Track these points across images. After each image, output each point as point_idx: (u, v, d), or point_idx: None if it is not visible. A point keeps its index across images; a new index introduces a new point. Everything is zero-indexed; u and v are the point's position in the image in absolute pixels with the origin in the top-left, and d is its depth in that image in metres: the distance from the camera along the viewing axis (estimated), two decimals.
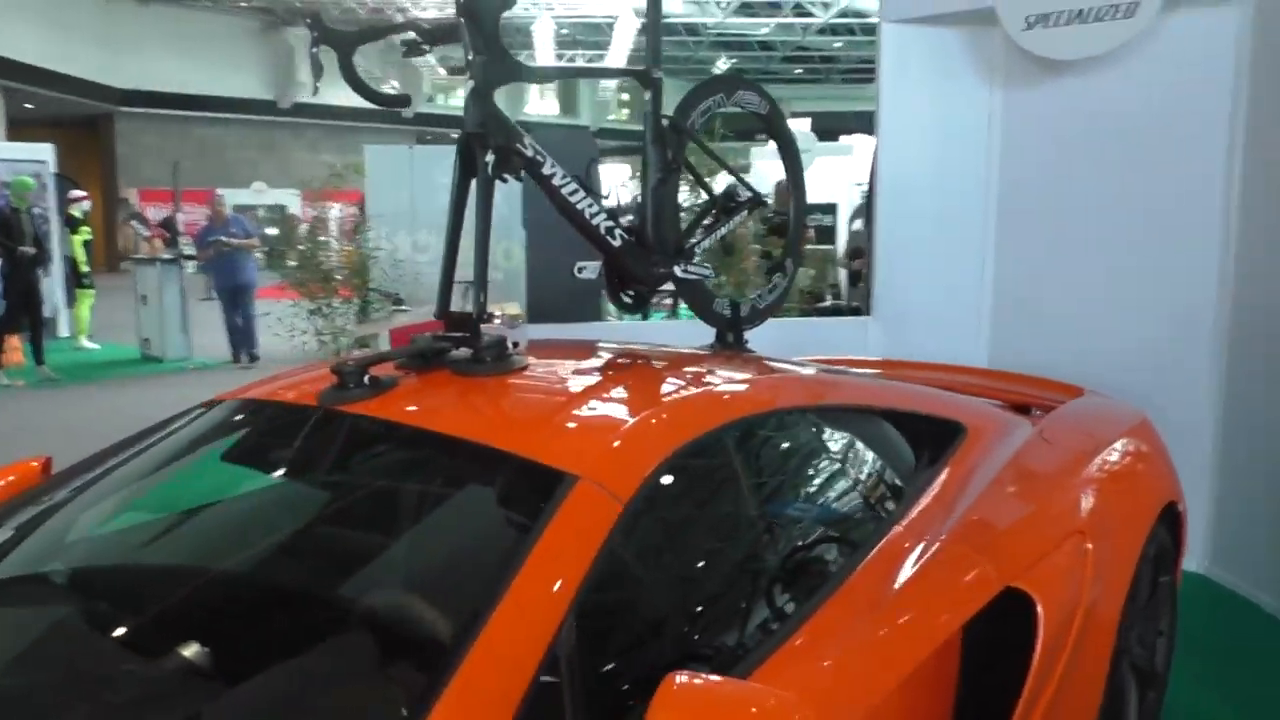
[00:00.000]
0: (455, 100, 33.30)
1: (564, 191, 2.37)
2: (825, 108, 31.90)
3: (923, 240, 4.74)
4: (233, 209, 11.52)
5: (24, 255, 9.25)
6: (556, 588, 1.41)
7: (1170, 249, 4.17)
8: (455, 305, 2.21)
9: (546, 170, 2.32)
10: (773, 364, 2.59)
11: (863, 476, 2.31)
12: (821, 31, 30.90)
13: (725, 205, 2.95)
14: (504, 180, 2.27)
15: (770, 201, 3.06)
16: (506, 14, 2.24)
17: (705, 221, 2.98)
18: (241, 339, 10.44)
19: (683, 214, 3.03)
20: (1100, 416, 3.01)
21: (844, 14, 28.42)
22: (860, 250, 7.49)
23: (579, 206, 2.41)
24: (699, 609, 1.81)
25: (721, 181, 3.12)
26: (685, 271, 2.66)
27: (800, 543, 2.03)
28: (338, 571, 1.77)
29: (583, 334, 3.58)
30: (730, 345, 2.87)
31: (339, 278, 7.42)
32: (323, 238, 8.11)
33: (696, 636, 1.76)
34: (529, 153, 2.27)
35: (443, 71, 30.71)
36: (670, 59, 32.76)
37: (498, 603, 1.36)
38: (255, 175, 26.82)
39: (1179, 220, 4.15)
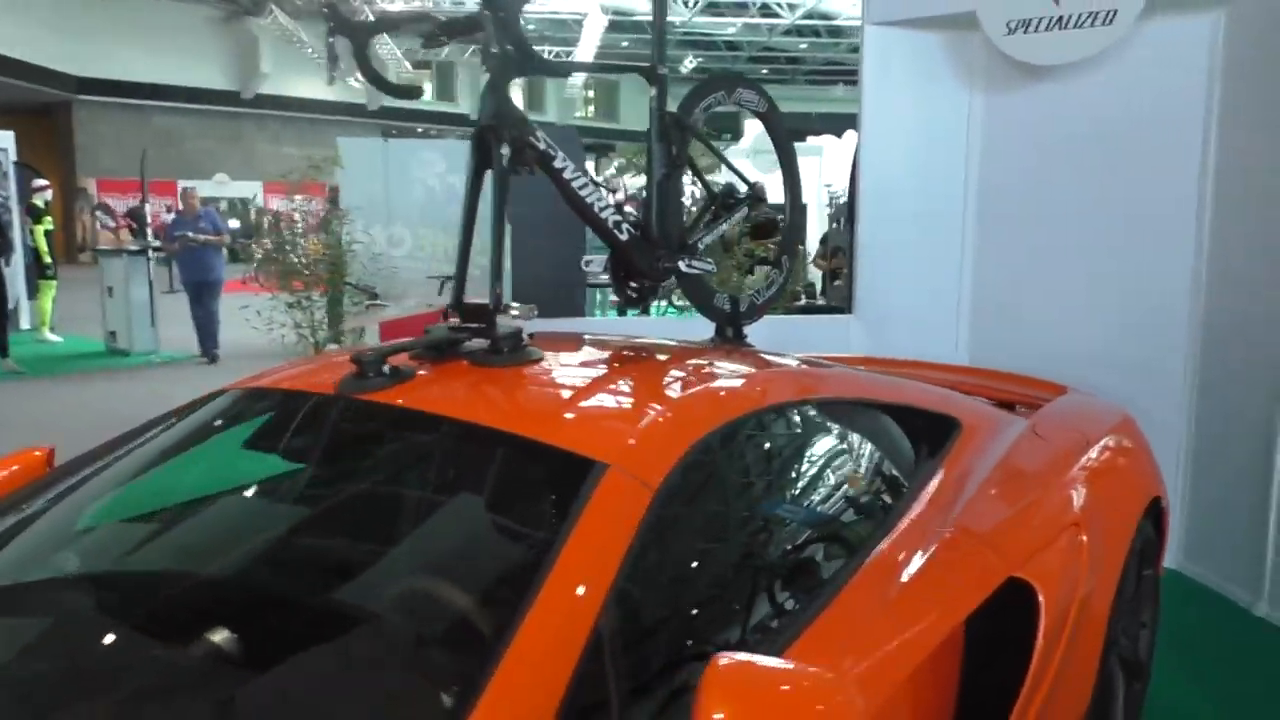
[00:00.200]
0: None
1: (574, 185, 2.39)
2: (791, 109, 32.03)
3: (904, 241, 4.82)
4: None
5: None
6: (594, 575, 1.43)
7: (1145, 251, 4.28)
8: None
9: (558, 164, 2.34)
10: (772, 358, 2.63)
11: (872, 467, 2.36)
12: (788, 33, 31.14)
13: (725, 201, 2.98)
14: (517, 173, 2.28)
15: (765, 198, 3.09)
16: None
17: (705, 218, 3.01)
18: (203, 336, 10.29)
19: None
20: (1087, 413, 3.09)
21: (810, 15, 28.67)
22: (840, 249, 7.60)
23: (589, 200, 2.43)
24: (725, 594, 1.84)
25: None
26: (689, 266, 2.70)
27: (817, 530, 2.07)
28: (371, 561, 1.77)
29: (571, 329, 3.59)
30: (729, 340, 2.91)
31: (323, 273, 7.35)
32: (300, 231, 8.02)
33: (724, 620, 1.79)
34: (541, 146, 2.29)
35: (408, 66, 30.57)
36: (637, 57, 32.80)
37: (539, 591, 1.37)
38: (217, 167, 26.51)
39: (1154, 223, 4.25)
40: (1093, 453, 2.73)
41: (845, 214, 7.74)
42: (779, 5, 28.20)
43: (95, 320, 11.06)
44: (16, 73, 22.71)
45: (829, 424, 2.33)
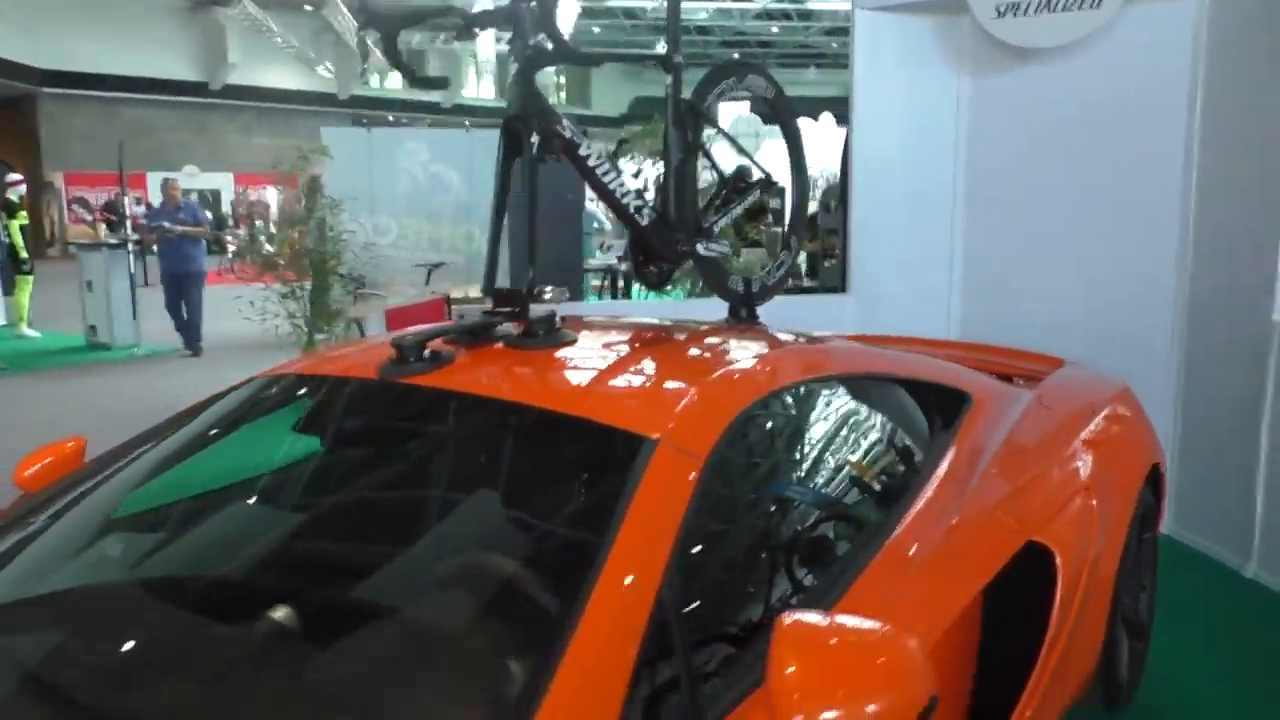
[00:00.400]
0: (391, 83, 32.86)
1: (598, 172, 2.45)
2: None
3: (897, 222, 4.92)
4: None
5: None
6: (653, 546, 1.48)
7: (1131, 230, 4.40)
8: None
9: (583, 151, 2.40)
10: (784, 336, 2.71)
11: (894, 438, 2.45)
12: (759, 17, 31.14)
13: (737, 185, 3.05)
14: (544, 161, 2.34)
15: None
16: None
17: (717, 202, 3.08)
18: (186, 329, 10.22)
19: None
20: (1088, 385, 3.20)
21: None
22: (834, 230, 7.70)
23: (611, 186, 2.49)
24: (772, 558, 1.92)
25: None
26: (707, 249, 2.77)
27: (849, 499, 2.16)
28: (433, 539, 1.82)
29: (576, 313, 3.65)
30: (743, 319, 2.98)
31: (308, 263, 7.34)
32: (277, 221, 8.00)
33: (767, 587, 1.87)
34: (567, 134, 2.35)
35: (378, 53, 30.29)
36: (608, 41, 32.73)
37: (603, 565, 1.42)
38: (187, 158, 26.14)
39: (1140, 203, 4.36)
40: (1097, 422, 2.84)
41: (837, 196, 7.83)
42: None
43: (72, 315, 10.96)
44: None
45: (853, 397, 2.41)
